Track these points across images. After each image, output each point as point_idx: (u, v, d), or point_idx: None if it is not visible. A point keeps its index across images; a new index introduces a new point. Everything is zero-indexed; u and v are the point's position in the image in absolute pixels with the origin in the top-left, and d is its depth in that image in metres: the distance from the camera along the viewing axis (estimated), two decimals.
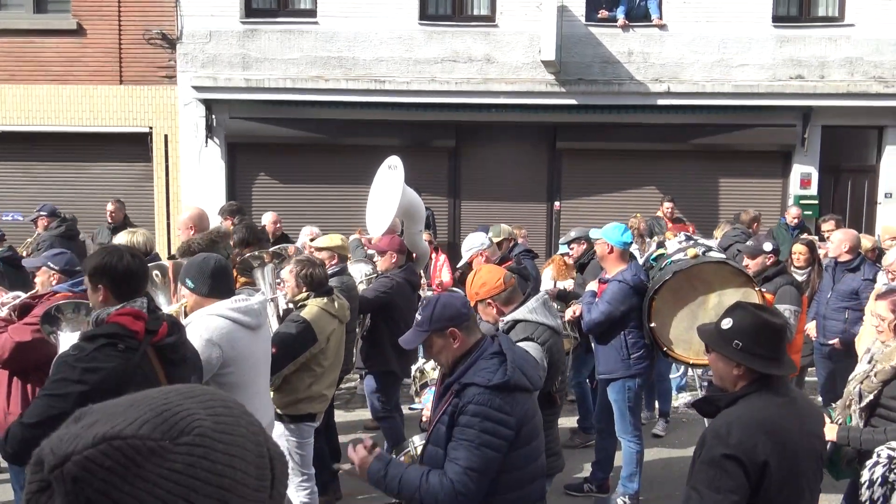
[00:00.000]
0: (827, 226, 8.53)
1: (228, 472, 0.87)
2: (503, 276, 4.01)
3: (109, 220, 9.43)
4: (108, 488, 0.79)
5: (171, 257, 5.94)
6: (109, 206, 9.52)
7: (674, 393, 8.11)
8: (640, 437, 5.70)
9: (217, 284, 3.74)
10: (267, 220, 8.60)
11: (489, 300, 3.95)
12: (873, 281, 6.51)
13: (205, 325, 3.65)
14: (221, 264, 3.81)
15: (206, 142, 11.77)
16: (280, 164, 12.09)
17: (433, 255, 8.11)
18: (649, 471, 5.98)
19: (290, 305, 4.97)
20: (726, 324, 2.78)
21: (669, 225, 10.16)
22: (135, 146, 11.86)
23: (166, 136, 11.81)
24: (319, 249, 6.06)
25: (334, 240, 6.23)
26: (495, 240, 6.61)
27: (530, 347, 3.71)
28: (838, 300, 6.64)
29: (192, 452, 0.84)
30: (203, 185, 11.78)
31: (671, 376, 7.87)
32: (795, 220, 10.08)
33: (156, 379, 2.97)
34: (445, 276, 8.38)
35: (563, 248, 7.79)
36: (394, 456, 3.83)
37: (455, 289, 8.51)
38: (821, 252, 7.49)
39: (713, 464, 2.63)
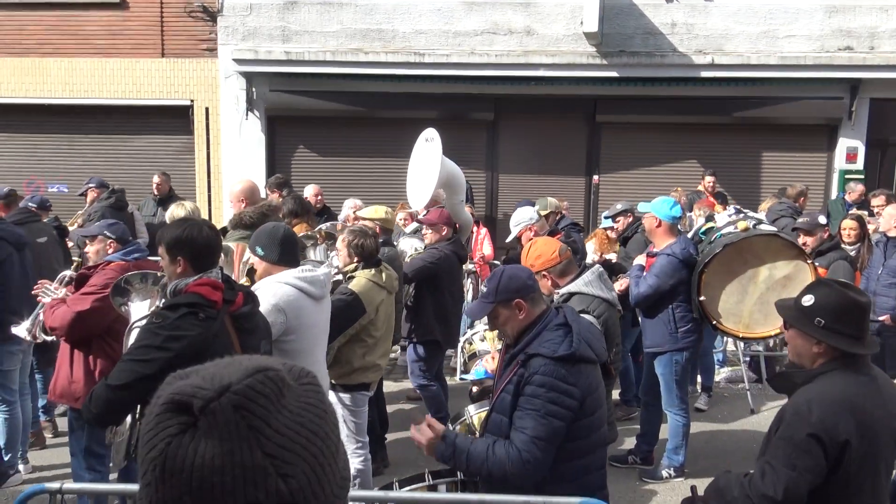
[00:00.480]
0: (877, 201, 8.37)
1: (334, 416, 0.92)
2: (559, 248, 4.03)
3: (155, 192, 9.59)
4: (267, 415, 0.82)
5: (222, 230, 6.04)
6: (156, 179, 9.67)
7: (716, 368, 8.09)
8: (686, 411, 5.72)
9: (286, 252, 3.82)
10: (308, 192, 8.66)
11: (544, 272, 3.98)
12: None
13: (273, 291, 3.74)
14: (290, 233, 3.89)
15: (247, 114, 11.86)
16: (319, 137, 12.15)
17: (474, 229, 8.13)
18: (693, 444, 6.00)
19: (339, 277, 5.04)
20: (808, 300, 2.74)
21: (709, 198, 10.04)
22: (176, 119, 11.99)
23: (207, 109, 11.92)
24: (364, 220, 6.13)
25: (379, 211, 6.29)
26: (542, 213, 6.61)
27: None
28: (889, 276, 6.54)
29: (316, 392, 0.89)
30: (243, 157, 11.89)
31: (714, 351, 7.84)
32: (857, 199, 9.80)
33: (232, 346, 3.07)
34: (487, 249, 8.40)
35: (605, 222, 7.76)
36: (450, 426, 3.90)
37: (497, 262, 8.56)
38: (870, 227, 7.37)
39: (792, 441, 2.62)
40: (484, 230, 8.72)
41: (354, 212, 7.80)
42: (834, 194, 11.08)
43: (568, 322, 2.96)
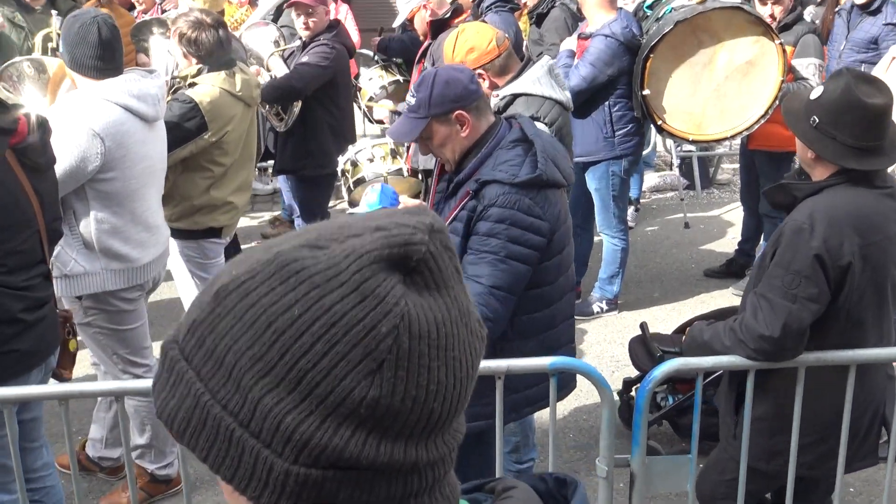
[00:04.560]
0: None
1: None
2: (495, 36, 3.93)
3: None
4: (455, 254, 0.88)
5: None
6: None
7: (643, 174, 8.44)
8: (625, 232, 6.00)
9: (103, 55, 3.53)
10: None
11: (480, 70, 3.88)
12: None
13: (87, 109, 3.50)
14: (107, 28, 3.54)
15: None
16: None
17: (332, 6, 7.71)
18: None
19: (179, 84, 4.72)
20: (817, 92, 2.78)
21: None
22: None
23: None
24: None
25: None
26: None
27: None
28: (853, 52, 6.90)
29: None
30: None
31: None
32: None
33: (21, 192, 2.90)
34: (352, 35, 8.05)
35: None
36: None
37: (366, 51, 8.27)
38: None
39: (790, 267, 2.73)
40: (345, 7, 8.31)
41: None
42: None
43: (527, 137, 2.93)
